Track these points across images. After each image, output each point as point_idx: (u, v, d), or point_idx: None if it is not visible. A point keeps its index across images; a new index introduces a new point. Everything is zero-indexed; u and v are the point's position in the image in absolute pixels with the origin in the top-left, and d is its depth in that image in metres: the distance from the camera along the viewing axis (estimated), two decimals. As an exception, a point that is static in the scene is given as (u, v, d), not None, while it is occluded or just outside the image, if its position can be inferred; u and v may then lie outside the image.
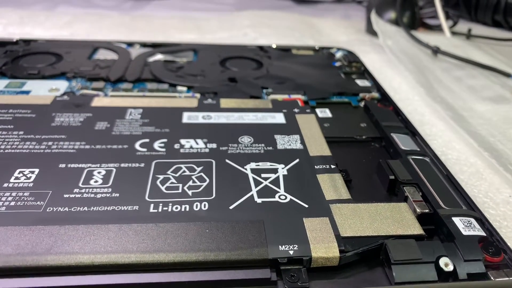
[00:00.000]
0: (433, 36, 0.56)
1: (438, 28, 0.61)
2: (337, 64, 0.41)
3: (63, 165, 0.23)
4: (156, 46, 0.42)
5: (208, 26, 0.57)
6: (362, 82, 0.37)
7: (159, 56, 0.39)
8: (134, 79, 0.34)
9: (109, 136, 0.26)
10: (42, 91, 0.32)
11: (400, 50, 0.46)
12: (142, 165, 0.24)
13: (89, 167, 0.23)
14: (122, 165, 0.23)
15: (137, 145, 0.25)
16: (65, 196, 0.21)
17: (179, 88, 0.33)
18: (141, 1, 0.73)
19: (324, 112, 0.32)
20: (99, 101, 0.30)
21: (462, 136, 0.32)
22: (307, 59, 0.41)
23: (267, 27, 0.56)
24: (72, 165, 0.23)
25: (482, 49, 0.52)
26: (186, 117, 0.29)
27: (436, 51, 0.47)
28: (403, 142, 0.28)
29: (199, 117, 0.29)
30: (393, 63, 0.45)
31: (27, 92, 0.32)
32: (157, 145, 0.25)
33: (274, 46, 0.44)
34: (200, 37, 0.52)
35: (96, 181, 0.22)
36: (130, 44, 0.42)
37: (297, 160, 0.25)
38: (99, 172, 0.23)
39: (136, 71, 0.35)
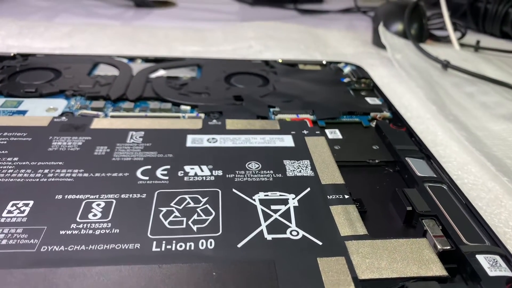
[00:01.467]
0: (441, 48, 0.55)
1: (445, 40, 0.60)
2: (346, 80, 0.39)
3: (60, 196, 0.22)
4: (158, 61, 0.40)
5: (212, 37, 0.55)
6: (372, 100, 0.36)
7: (161, 72, 0.38)
8: (135, 98, 0.32)
9: (109, 163, 0.25)
10: (39, 110, 0.31)
11: (409, 65, 0.45)
12: (144, 195, 0.22)
13: (88, 198, 0.22)
14: (123, 196, 0.22)
15: (138, 173, 0.24)
16: (61, 232, 0.19)
17: (183, 107, 0.32)
18: (143, 10, 0.72)
19: (334, 133, 0.31)
20: (99, 123, 0.28)
21: (477, 158, 0.31)
22: (315, 74, 0.40)
23: (272, 39, 0.54)
24: (70, 196, 0.22)
25: (492, 62, 0.51)
26: (190, 140, 0.27)
27: (446, 65, 0.46)
28: (418, 167, 0.27)
29: (204, 140, 0.27)
30: (402, 78, 0.44)
31: (23, 112, 0.30)
32: (159, 172, 0.24)
33: (280, 60, 0.43)
34: (204, 50, 0.50)
35: (95, 215, 0.21)
36: (132, 59, 0.40)
37: (308, 189, 0.23)
38: (98, 204, 0.21)
39: (138, 88, 0.34)
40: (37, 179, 0.23)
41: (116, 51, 0.47)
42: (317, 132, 0.29)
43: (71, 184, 0.23)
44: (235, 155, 0.26)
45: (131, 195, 0.22)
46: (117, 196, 0.22)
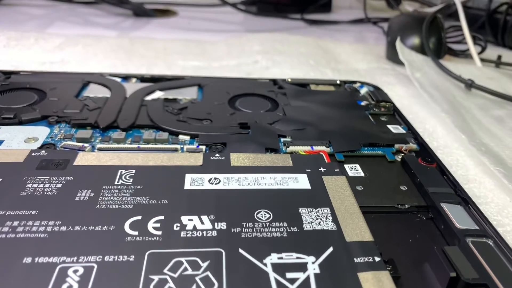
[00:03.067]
0: (462, 64, 0.51)
1: (464, 55, 0.56)
2: (363, 103, 0.35)
3: (29, 260, 0.18)
4: (155, 80, 0.37)
5: (215, 51, 0.51)
6: (395, 128, 0.32)
7: (158, 93, 0.34)
8: (127, 126, 0.28)
9: (93, 212, 0.21)
10: (17, 141, 0.27)
11: (430, 84, 0.41)
12: (132, 258, 0.18)
13: (63, 262, 0.18)
14: (107, 258, 0.18)
15: (126, 226, 0.20)
16: (24, 315, 0.15)
17: (181, 137, 0.28)
18: (142, 19, 0.68)
19: (355, 170, 0.27)
20: (83, 158, 0.25)
21: (518, 199, 0.27)
22: (328, 96, 0.36)
23: (279, 54, 0.50)
24: (41, 260, 0.18)
25: (518, 80, 0.47)
26: (189, 181, 0.23)
27: (470, 85, 0.42)
28: (456, 216, 0.23)
29: (205, 181, 0.23)
30: (423, 99, 0.40)
31: (-2, 143, 0.26)
32: (151, 225, 0.20)
33: (289, 79, 0.39)
34: (206, 65, 0.47)
35: (70, 286, 0.17)
36: (126, 78, 0.37)
37: (331, 249, 0.19)
38: (75, 271, 0.17)
39: (131, 114, 0.30)
40: (4, 235, 0.19)
41: (110, 66, 0.43)
42: (336, 170, 0.25)
43: (44, 242, 0.19)
44: (242, 200, 0.22)
45: (116, 257, 0.18)
46: (99, 258, 0.18)
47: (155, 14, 0.69)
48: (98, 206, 0.21)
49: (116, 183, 0.23)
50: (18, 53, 0.46)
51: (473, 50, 0.52)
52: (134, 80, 0.36)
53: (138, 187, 0.23)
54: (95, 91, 0.34)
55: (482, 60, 0.53)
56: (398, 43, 0.47)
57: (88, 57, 0.46)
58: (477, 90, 0.42)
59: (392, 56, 0.52)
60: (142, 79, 0.37)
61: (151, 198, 0.22)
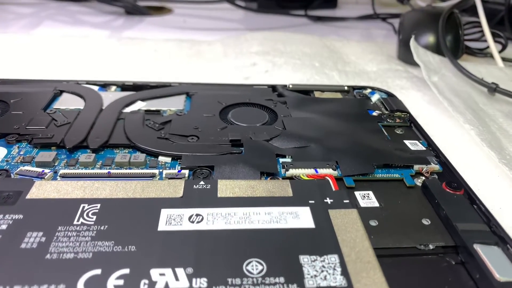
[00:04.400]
0: (482, 65, 0.46)
1: (481, 54, 0.51)
2: (375, 113, 0.31)
3: None
4: (137, 88, 0.32)
5: (210, 52, 0.47)
6: (413, 144, 0.27)
7: (139, 104, 0.29)
8: (98, 146, 0.24)
9: (40, 264, 0.16)
10: (-34, 166, 0.23)
11: (449, 89, 0.37)
12: (81, 334, 0.14)
13: None
14: (47, 334, 0.14)
15: (81, 284, 0.16)
16: None
17: (161, 158, 0.24)
18: (134, 17, 0.64)
19: (368, 198, 0.22)
20: (40, 189, 0.20)
21: None
22: (335, 105, 0.32)
23: (280, 55, 0.46)
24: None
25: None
26: (165, 220, 0.19)
27: (494, 89, 0.37)
28: (495, 262, 0.18)
29: (184, 219, 0.19)
30: (442, 106, 0.35)
31: None
32: (113, 282, 0.16)
33: (290, 86, 0.34)
34: (199, 67, 0.42)
35: None
36: (105, 86, 0.32)
37: (340, 318, 0.15)
38: None
39: (104, 131, 0.26)
40: None
41: (92, 71, 0.39)
42: (345, 201, 0.21)
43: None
44: (229, 246, 0.18)
45: (60, 332, 0.14)
46: (38, 334, 0.14)
47: (148, 12, 0.65)
48: (48, 256, 0.17)
49: (75, 222, 0.19)
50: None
51: (494, 48, 0.47)
52: (113, 88, 0.32)
53: (102, 227, 0.18)
54: (67, 102, 0.29)
55: (504, 59, 0.48)
56: (413, 43, 0.42)
57: (71, 60, 0.42)
58: (502, 95, 0.37)
59: (404, 56, 0.48)
60: (122, 87, 0.32)
61: (116, 243, 0.18)
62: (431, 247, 0.20)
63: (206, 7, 0.70)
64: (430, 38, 0.46)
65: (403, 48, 0.48)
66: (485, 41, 0.49)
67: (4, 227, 0.18)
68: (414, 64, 0.46)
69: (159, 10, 0.67)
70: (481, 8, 0.50)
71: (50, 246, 0.17)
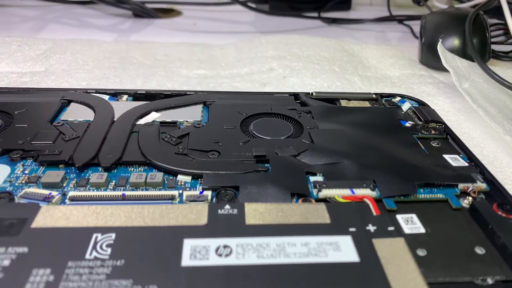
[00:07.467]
0: (510, 69, 0.44)
1: (507, 57, 0.49)
2: (408, 123, 0.29)
3: None
4: (150, 97, 0.30)
5: (223, 56, 0.45)
6: (453, 160, 0.25)
7: (153, 115, 0.27)
8: (111, 164, 0.22)
9: (47, 311, 0.14)
10: (-35, 187, 0.20)
11: (482, 96, 0.34)
12: None
13: None
14: None
15: (94, 335, 0.13)
16: None
17: (181, 177, 0.22)
18: (142, 20, 0.61)
19: (412, 223, 0.20)
20: (47, 216, 0.18)
21: None
22: (364, 115, 0.29)
23: (297, 59, 0.44)
24: None
25: None
26: (189, 252, 0.17)
27: (530, 97, 0.35)
28: None
29: (211, 251, 0.17)
30: (475, 114, 0.33)
31: None
32: (132, 333, 0.14)
33: (313, 94, 0.32)
34: (213, 74, 0.40)
35: None
36: (115, 95, 0.30)
37: None
38: None
39: (117, 146, 0.23)
40: None
41: (101, 78, 0.37)
42: (390, 228, 0.18)
43: None
44: (263, 284, 0.16)
45: None
46: None
47: (157, 15, 0.63)
48: (57, 299, 0.15)
49: (87, 257, 0.16)
50: (-3, 61, 0.40)
51: (523, 52, 0.45)
52: (125, 97, 0.30)
53: (118, 263, 0.16)
54: (75, 113, 0.27)
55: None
56: (440, 47, 0.40)
57: (76, 67, 0.40)
58: (538, 103, 0.35)
59: (427, 60, 0.45)
60: (135, 96, 0.30)
61: (134, 282, 0.15)
62: (490, 282, 0.17)
63: (216, 9, 0.68)
64: (455, 42, 0.44)
65: (425, 52, 0.45)
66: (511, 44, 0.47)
67: (6, 263, 0.16)
68: (438, 68, 0.44)
69: (168, 12, 0.65)
70: (507, 9, 0.47)
71: (59, 286, 0.15)
